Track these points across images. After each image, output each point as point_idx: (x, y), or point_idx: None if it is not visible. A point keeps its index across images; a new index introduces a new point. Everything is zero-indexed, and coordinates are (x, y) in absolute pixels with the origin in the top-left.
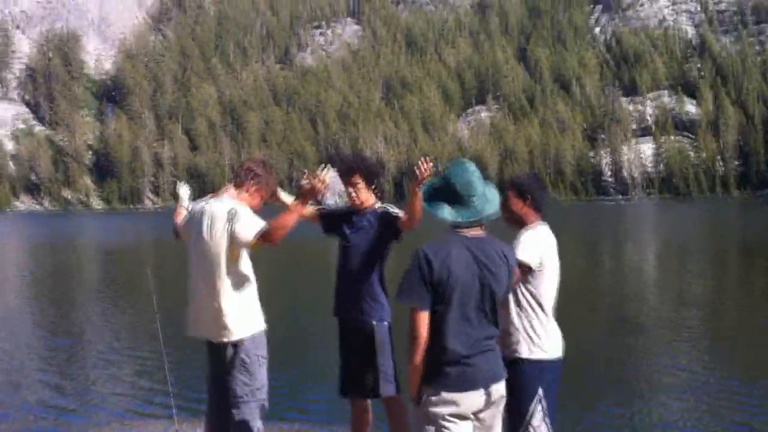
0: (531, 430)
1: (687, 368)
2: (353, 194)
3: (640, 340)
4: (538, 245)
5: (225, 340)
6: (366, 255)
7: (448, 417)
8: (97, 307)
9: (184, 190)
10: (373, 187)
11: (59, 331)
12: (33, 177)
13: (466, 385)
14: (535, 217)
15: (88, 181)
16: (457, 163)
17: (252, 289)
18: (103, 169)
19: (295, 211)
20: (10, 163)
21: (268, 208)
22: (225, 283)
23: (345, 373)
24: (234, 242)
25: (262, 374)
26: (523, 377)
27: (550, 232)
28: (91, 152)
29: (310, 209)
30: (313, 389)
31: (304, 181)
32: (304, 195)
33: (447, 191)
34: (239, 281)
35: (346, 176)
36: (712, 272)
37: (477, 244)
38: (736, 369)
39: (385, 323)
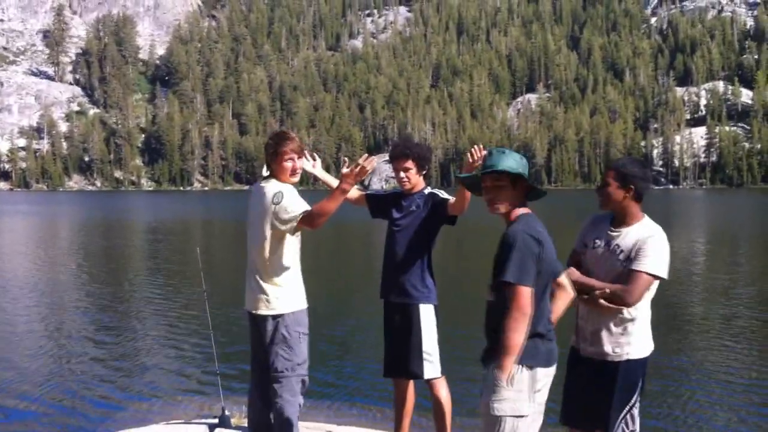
0: (630, 418)
1: (731, 362)
2: (404, 178)
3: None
4: (667, 254)
5: (266, 313)
6: (414, 238)
7: (537, 392)
8: (148, 285)
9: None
10: (423, 172)
11: (110, 309)
12: (86, 157)
13: (550, 360)
14: (638, 210)
15: (139, 162)
16: (509, 153)
17: (296, 269)
18: (154, 150)
19: (337, 197)
20: (64, 144)
21: (311, 194)
22: (269, 260)
23: (389, 354)
24: (277, 222)
25: (302, 350)
26: (638, 373)
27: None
28: (142, 134)
29: (356, 193)
30: (358, 370)
31: (345, 169)
32: (347, 181)
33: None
34: (284, 260)
35: (398, 160)
36: (756, 261)
37: (542, 225)
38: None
39: (431, 306)
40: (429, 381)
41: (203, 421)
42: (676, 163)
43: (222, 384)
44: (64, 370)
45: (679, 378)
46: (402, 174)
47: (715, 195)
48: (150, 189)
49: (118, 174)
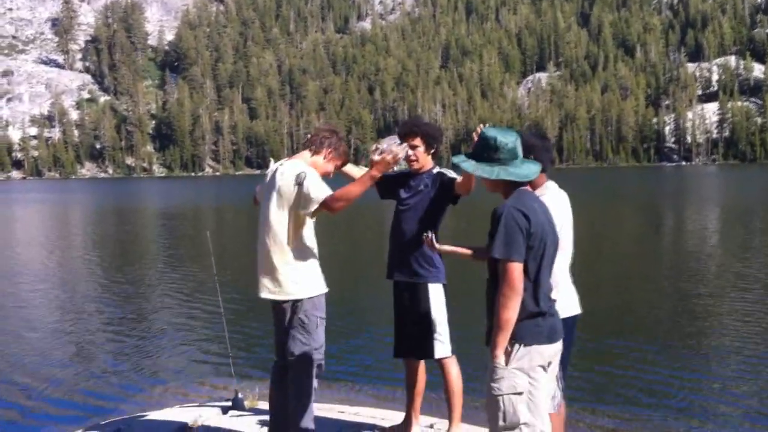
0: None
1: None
2: (412, 157)
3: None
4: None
5: (285, 299)
6: (421, 217)
7: (536, 369)
8: (160, 270)
9: (273, 165)
10: (432, 151)
11: (123, 294)
12: (97, 145)
13: (552, 336)
14: (542, 179)
15: (150, 148)
16: (496, 131)
17: (314, 253)
18: (165, 137)
19: (363, 183)
20: (75, 132)
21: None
22: (288, 244)
23: (399, 334)
24: (298, 205)
25: (319, 335)
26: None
27: (559, 189)
28: (153, 120)
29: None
30: (369, 351)
31: (376, 155)
32: (376, 168)
33: (499, 154)
34: (302, 243)
35: (406, 138)
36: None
37: (538, 200)
38: None
39: (440, 285)
40: (439, 360)
41: (217, 404)
42: (689, 139)
43: (234, 367)
44: (79, 353)
45: (690, 358)
46: (410, 152)
47: (728, 171)
48: (162, 175)
49: (129, 161)
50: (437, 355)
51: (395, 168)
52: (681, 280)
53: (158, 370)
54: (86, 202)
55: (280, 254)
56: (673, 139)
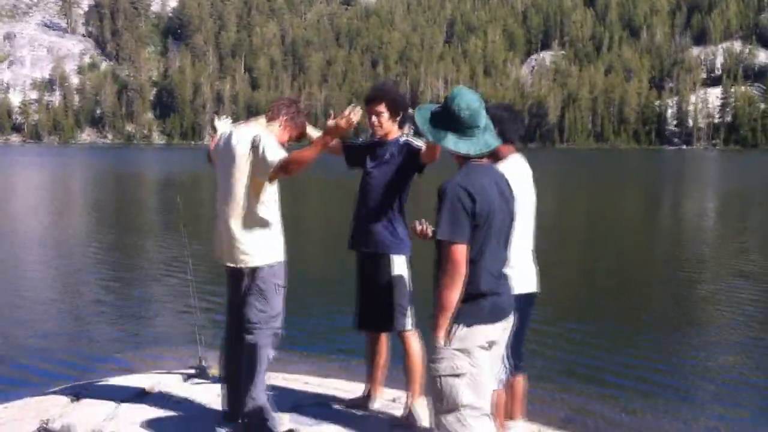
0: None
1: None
2: (375, 123)
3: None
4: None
5: (243, 265)
6: (386, 187)
7: (478, 349)
8: (135, 237)
9: (222, 123)
10: (397, 118)
11: (96, 261)
12: (97, 110)
13: (497, 316)
14: (509, 150)
15: (150, 116)
16: (462, 92)
17: (274, 219)
18: (166, 104)
19: (317, 147)
20: (76, 97)
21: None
22: (246, 209)
23: (361, 306)
24: (254, 169)
25: (277, 302)
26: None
27: (523, 160)
28: (154, 88)
29: (335, 142)
30: (330, 322)
31: (330, 121)
32: (330, 133)
33: (452, 120)
34: (261, 208)
35: (370, 104)
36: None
37: (493, 173)
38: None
39: (403, 257)
40: (401, 333)
41: (182, 371)
42: (690, 123)
43: (200, 335)
44: (44, 319)
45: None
46: (374, 118)
47: (729, 156)
48: (161, 143)
49: (129, 128)
50: (398, 328)
51: (361, 138)
52: (669, 265)
53: (125, 337)
54: (80, 169)
55: (238, 220)
56: (674, 123)
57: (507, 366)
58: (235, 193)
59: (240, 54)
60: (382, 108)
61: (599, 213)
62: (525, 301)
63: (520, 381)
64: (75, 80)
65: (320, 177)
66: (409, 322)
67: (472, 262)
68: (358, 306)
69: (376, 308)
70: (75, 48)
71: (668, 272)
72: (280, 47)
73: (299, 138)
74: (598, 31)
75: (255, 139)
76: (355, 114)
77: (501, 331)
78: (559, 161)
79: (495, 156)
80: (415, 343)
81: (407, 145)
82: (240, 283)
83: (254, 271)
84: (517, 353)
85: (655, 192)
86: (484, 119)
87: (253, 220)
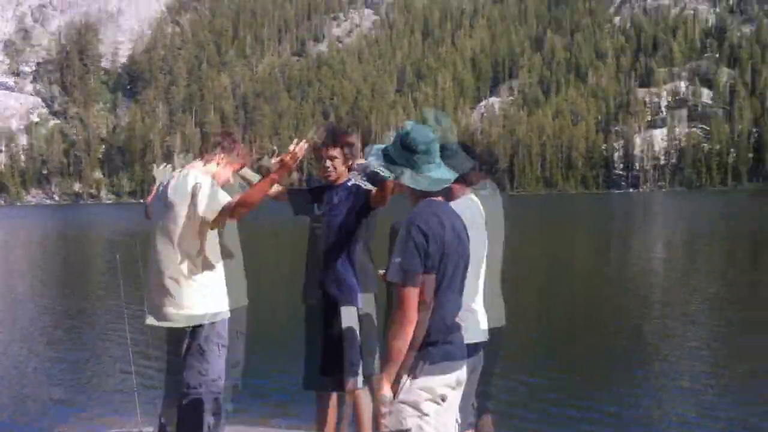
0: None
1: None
2: (330, 167)
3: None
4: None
5: (182, 325)
6: (336, 234)
7: (427, 402)
8: (75, 299)
9: (160, 172)
10: (349, 163)
11: (34, 323)
12: (44, 170)
13: (448, 366)
14: (462, 190)
15: (98, 174)
16: (415, 127)
17: (217, 271)
18: (115, 162)
19: (263, 188)
20: (22, 157)
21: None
22: (185, 263)
23: (309, 364)
24: (194, 218)
25: (219, 364)
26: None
27: (475, 201)
28: (103, 145)
29: (277, 187)
30: (278, 382)
31: (273, 160)
32: (277, 171)
33: (409, 155)
34: (201, 261)
35: (325, 148)
36: (716, 264)
37: (448, 211)
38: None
39: (354, 308)
40: (351, 393)
41: None
42: (637, 166)
43: (139, 400)
44: None
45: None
46: (328, 163)
47: (673, 198)
48: (109, 202)
49: (77, 187)
50: (347, 386)
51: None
52: (622, 306)
53: (60, 406)
54: (19, 230)
55: (176, 273)
56: (621, 166)
57: (474, 408)
58: (173, 246)
59: (191, 108)
60: (337, 153)
61: (552, 257)
62: (489, 340)
63: (489, 422)
64: (23, 140)
65: (268, 224)
66: (359, 380)
67: (425, 307)
68: (306, 364)
69: (325, 365)
70: (23, 107)
71: (621, 313)
72: (231, 100)
73: (242, 167)
74: (546, 75)
75: (194, 188)
76: (300, 149)
77: (453, 383)
78: (510, 206)
79: (447, 195)
80: (363, 402)
81: (355, 187)
82: (179, 343)
83: (195, 329)
84: (486, 393)
85: (605, 235)
86: (438, 153)
87: (194, 274)
